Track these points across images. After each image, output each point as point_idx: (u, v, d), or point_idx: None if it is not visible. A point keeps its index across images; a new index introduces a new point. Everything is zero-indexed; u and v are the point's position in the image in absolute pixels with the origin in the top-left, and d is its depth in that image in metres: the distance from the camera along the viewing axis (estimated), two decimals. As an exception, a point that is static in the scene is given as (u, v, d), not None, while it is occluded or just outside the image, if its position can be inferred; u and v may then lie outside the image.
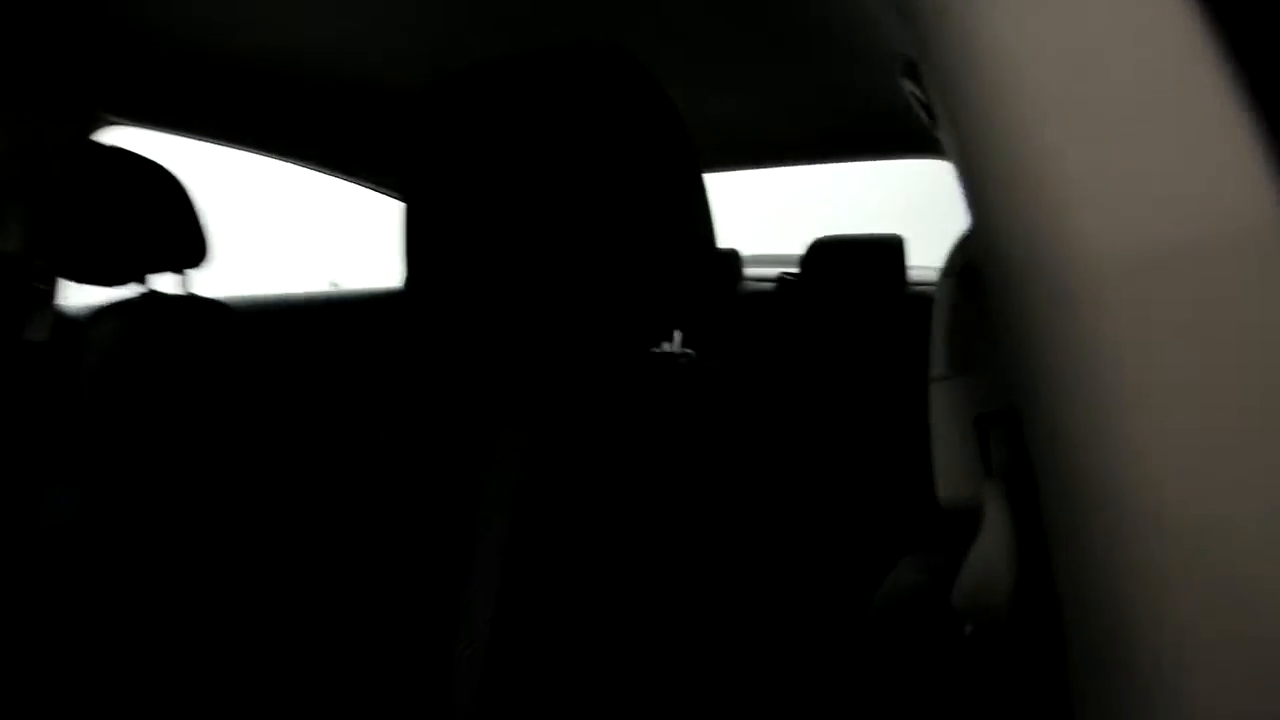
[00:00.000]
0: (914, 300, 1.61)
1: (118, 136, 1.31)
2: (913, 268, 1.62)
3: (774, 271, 1.89)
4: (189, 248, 1.08)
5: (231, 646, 0.55)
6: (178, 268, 1.09)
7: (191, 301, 1.08)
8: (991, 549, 0.18)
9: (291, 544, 0.58)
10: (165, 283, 1.12)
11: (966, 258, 0.23)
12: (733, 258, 1.83)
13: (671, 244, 0.48)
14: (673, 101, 0.49)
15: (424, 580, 0.51)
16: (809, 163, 1.84)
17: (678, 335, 0.61)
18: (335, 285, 2.00)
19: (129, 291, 1.10)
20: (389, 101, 1.43)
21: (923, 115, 1.23)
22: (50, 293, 1.30)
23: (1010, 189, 0.17)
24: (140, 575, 0.95)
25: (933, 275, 1.75)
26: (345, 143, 1.66)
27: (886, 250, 1.61)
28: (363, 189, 1.90)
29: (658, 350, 0.60)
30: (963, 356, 0.22)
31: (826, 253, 1.64)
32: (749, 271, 1.99)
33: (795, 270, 1.74)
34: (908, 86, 1.11)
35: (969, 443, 0.22)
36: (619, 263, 0.47)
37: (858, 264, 1.61)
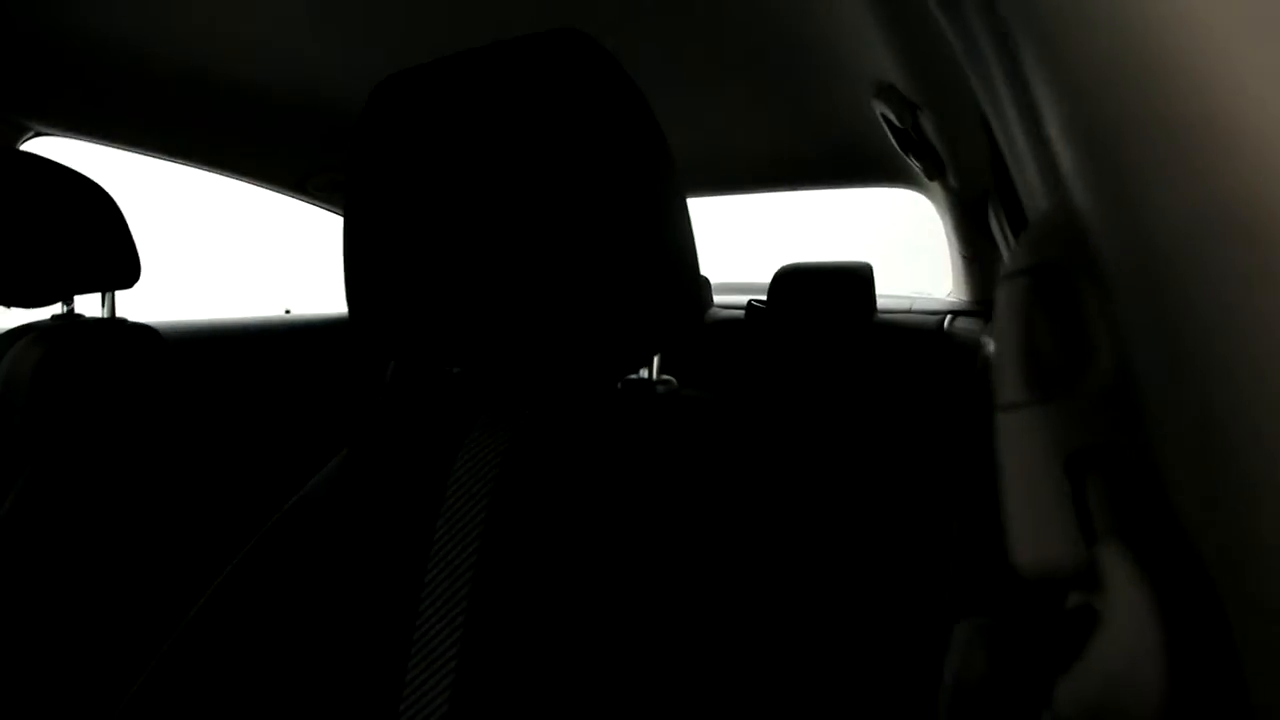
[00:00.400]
0: (882, 329, 1.61)
1: (41, 146, 1.22)
2: (881, 296, 1.62)
3: (743, 299, 1.87)
4: (117, 267, 0.99)
5: (168, 681, 0.47)
6: (105, 288, 1.00)
7: (116, 325, 0.98)
8: (1130, 645, 0.13)
9: (219, 577, 0.51)
10: (89, 304, 1.02)
11: (1044, 252, 0.18)
12: (704, 284, 1.80)
13: (652, 258, 0.43)
14: (645, 98, 0.45)
15: (370, 607, 0.45)
16: (777, 190, 1.84)
17: (655, 361, 0.56)
18: (288, 312, 1.92)
19: (46, 313, 1.00)
20: (337, 115, 1.37)
21: (892, 140, 1.23)
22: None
23: (1168, 121, 0.12)
24: (61, 606, 0.85)
25: (901, 303, 1.76)
26: (292, 157, 1.59)
27: (854, 278, 1.61)
28: (316, 209, 1.83)
29: (635, 377, 0.55)
30: (1044, 377, 0.18)
31: (793, 281, 1.63)
32: (718, 299, 1.97)
33: (764, 298, 1.72)
34: (879, 108, 1.11)
35: (1060, 491, 0.17)
36: (593, 281, 0.42)
37: (825, 292, 1.60)
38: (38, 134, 1.20)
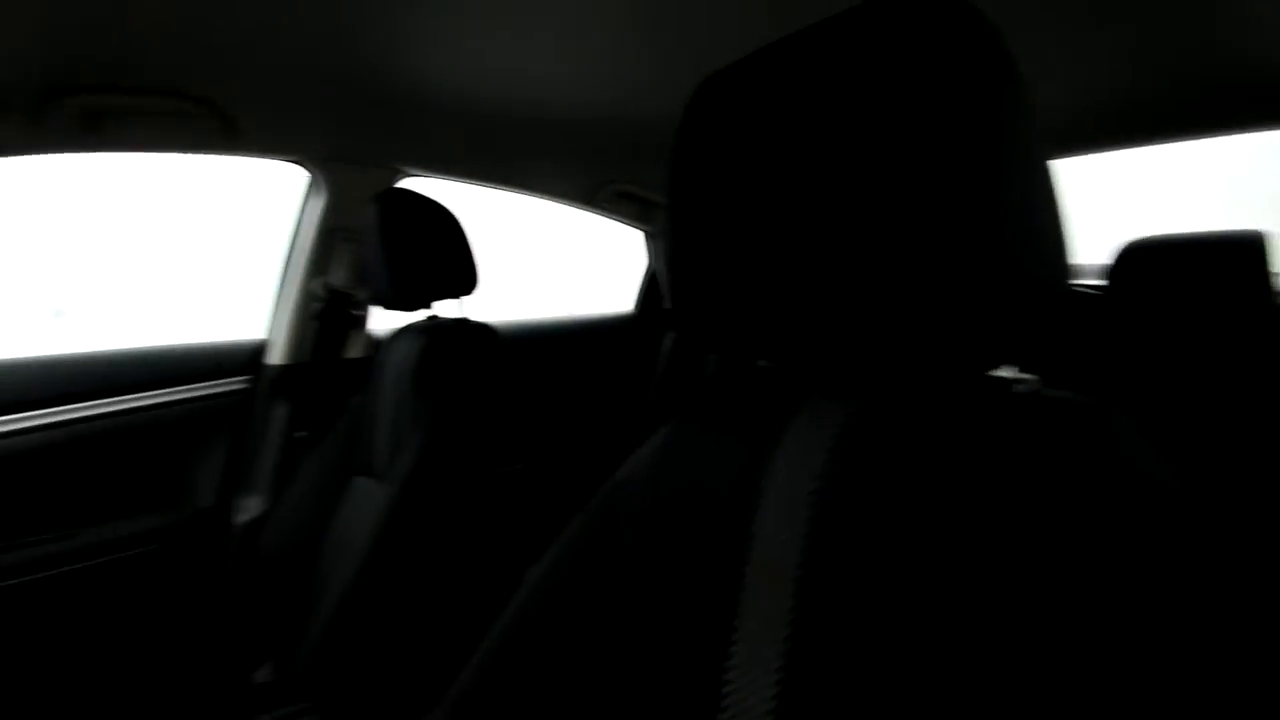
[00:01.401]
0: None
1: (408, 184, 1.53)
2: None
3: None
4: (465, 278, 1.20)
5: (515, 640, 0.54)
6: (457, 295, 1.22)
7: (466, 324, 1.20)
8: None
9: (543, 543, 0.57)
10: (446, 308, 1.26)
11: None
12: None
13: (1013, 239, 0.36)
14: (1013, 58, 0.37)
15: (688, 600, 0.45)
16: (1151, 144, 1.49)
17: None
18: (570, 313, 2.25)
19: (416, 316, 1.25)
20: (623, 132, 1.48)
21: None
22: (364, 318, 1.56)
23: None
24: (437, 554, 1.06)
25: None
26: (583, 173, 1.77)
27: (1240, 251, 1.22)
28: (609, 221, 2.02)
29: (993, 375, 0.46)
30: None
31: (1147, 257, 1.29)
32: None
33: (1097, 283, 1.41)
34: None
35: None
36: (943, 267, 0.36)
37: (1198, 270, 1.24)
38: (406, 175, 1.52)
